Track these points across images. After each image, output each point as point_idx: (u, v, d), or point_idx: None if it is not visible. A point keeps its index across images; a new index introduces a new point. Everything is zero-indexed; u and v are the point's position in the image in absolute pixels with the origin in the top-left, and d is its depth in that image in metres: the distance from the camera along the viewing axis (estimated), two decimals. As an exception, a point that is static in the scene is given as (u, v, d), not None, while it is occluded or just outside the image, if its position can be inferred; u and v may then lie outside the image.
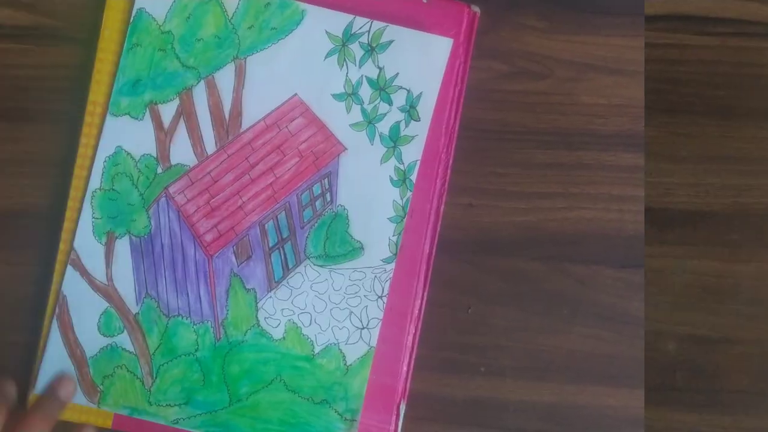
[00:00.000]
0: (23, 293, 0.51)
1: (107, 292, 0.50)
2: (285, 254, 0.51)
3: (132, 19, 0.50)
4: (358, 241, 0.51)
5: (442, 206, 0.50)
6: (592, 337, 0.51)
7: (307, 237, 0.51)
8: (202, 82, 0.51)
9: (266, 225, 0.51)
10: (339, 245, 0.51)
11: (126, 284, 0.50)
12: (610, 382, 0.50)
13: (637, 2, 0.51)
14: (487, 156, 0.51)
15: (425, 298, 0.50)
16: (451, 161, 0.50)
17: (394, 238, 0.50)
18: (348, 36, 0.51)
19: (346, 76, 0.51)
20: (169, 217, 0.51)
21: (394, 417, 0.50)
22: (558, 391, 0.50)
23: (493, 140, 0.51)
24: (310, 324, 0.51)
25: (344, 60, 0.51)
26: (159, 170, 0.51)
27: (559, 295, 0.51)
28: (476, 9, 0.50)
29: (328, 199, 0.51)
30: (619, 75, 0.51)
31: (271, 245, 0.51)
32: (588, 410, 0.50)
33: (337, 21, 0.50)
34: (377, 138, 0.51)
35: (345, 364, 0.50)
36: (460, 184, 0.51)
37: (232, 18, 0.51)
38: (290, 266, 0.51)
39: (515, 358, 0.51)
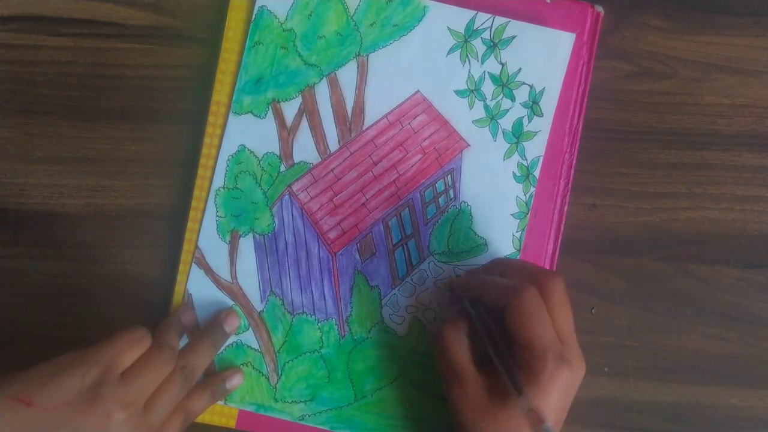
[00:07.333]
0: (149, 292, 0.51)
1: (232, 290, 0.51)
2: (408, 251, 0.51)
3: (254, 17, 0.50)
4: (481, 237, 0.51)
5: (566, 206, 0.50)
6: (716, 338, 0.50)
7: (430, 233, 0.51)
8: (325, 79, 0.51)
9: (390, 222, 0.51)
10: (463, 241, 0.51)
11: (250, 282, 0.51)
12: (735, 382, 0.50)
13: (761, 2, 0.51)
14: (610, 156, 0.51)
15: (548, 297, 0.50)
16: (574, 161, 0.50)
17: (518, 234, 0.50)
18: (470, 32, 0.50)
19: (469, 72, 0.51)
20: (292, 214, 0.51)
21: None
22: (682, 392, 0.50)
23: (617, 140, 0.51)
24: (434, 320, 0.51)
25: (466, 56, 0.51)
26: (282, 168, 0.51)
27: (683, 296, 0.51)
28: (600, 9, 0.50)
29: (451, 195, 0.51)
30: (743, 75, 0.51)
31: (394, 242, 0.51)
32: (712, 410, 0.50)
33: (460, 17, 0.50)
34: (500, 134, 0.51)
35: (468, 362, 0.50)
36: (584, 184, 0.51)
37: (353, 15, 0.51)
38: (414, 263, 0.51)
39: (639, 358, 0.50)
